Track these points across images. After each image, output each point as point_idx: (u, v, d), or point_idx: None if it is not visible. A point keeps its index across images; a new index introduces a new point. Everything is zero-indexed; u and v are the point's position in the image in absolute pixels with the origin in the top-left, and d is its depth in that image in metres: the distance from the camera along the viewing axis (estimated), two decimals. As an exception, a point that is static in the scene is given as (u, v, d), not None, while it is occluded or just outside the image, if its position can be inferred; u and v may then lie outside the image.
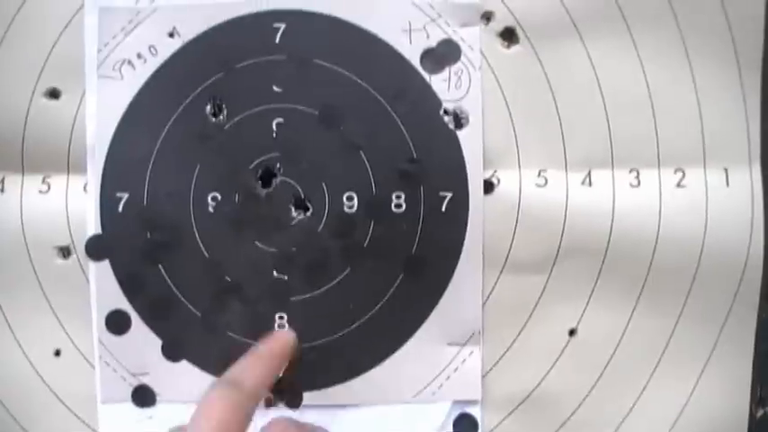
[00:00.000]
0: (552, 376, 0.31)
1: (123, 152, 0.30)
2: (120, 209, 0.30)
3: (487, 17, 0.30)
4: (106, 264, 0.31)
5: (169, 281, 0.30)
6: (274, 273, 0.30)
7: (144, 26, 0.30)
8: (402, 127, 0.30)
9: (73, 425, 0.31)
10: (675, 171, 0.30)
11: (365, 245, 0.30)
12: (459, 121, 0.30)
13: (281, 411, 0.30)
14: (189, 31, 0.30)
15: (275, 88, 0.30)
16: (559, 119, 0.30)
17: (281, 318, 0.30)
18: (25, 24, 0.30)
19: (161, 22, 0.30)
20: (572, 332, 0.31)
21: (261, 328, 0.30)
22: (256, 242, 0.30)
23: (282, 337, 0.30)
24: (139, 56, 0.30)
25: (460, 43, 0.30)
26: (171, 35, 0.30)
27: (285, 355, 0.29)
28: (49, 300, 0.31)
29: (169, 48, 0.30)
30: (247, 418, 0.24)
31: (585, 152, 0.30)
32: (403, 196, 0.30)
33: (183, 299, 0.30)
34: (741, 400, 0.31)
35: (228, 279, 0.30)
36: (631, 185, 0.30)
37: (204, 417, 0.24)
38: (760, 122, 0.30)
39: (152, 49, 0.31)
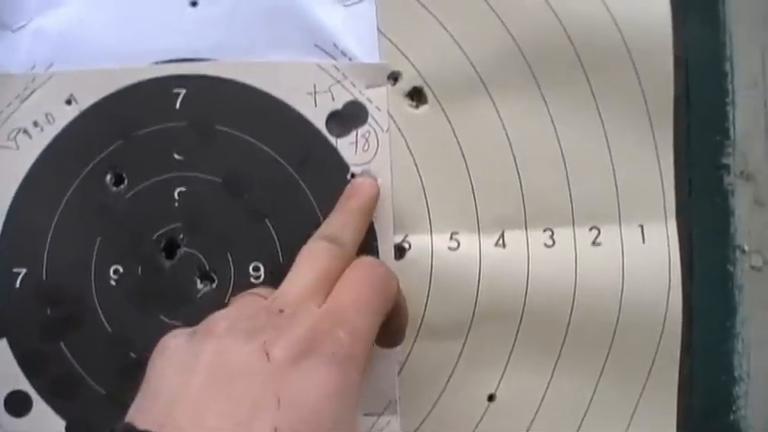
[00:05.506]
0: (472, 443, 0.30)
1: (20, 225, 0.29)
2: (18, 284, 0.29)
3: (395, 77, 0.29)
4: (4, 342, 0.29)
5: (71, 358, 0.29)
6: (182, 346, 0.29)
7: (40, 93, 0.29)
8: (309, 193, 0.29)
9: None
10: (590, 229, 0.30)
11: (274, 316, 0.29)
12: (368, 185, 0.29)
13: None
14: (86, 99, 0.29)
15: (176, 156, 0.29)
16: (470, 180, 0.30)
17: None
18: None
19: (58, 89, 0.29)
20: (491, 397, 0.30)
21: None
22: (161, 316, 0.29)
23: (367, 191, 0.28)
24: (36, 124, 0.29)
25: (367, 105, 0.29)
26: (68, 102, 0.29)
27: (372, 208, 0.28)
28: (-57, 382, 0.30)
29: (66, 116, 0.29)
30: (341, 274, 0.24)
31: (498, 213, 0.30)
32: (312, 264, 0.29)
33: (86, 377, 0.29)
34: (666, 457, 0.31)
35: (134, 355, 0.29)
36: (546, 245, 0.30)
37: (308, 267, 0.24)
38: (674, 178, 0.30)
39: (49, 117, 0.29)
